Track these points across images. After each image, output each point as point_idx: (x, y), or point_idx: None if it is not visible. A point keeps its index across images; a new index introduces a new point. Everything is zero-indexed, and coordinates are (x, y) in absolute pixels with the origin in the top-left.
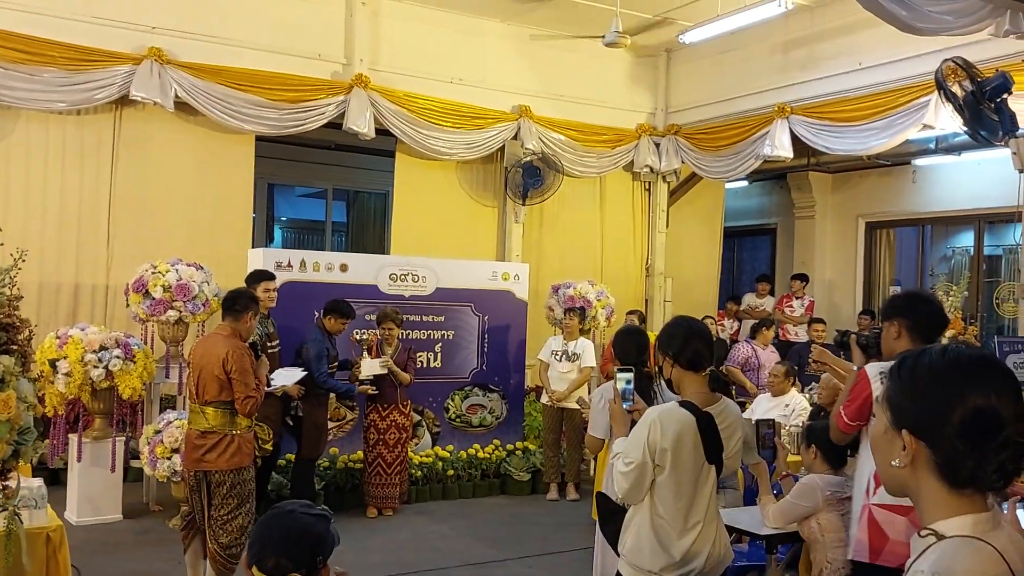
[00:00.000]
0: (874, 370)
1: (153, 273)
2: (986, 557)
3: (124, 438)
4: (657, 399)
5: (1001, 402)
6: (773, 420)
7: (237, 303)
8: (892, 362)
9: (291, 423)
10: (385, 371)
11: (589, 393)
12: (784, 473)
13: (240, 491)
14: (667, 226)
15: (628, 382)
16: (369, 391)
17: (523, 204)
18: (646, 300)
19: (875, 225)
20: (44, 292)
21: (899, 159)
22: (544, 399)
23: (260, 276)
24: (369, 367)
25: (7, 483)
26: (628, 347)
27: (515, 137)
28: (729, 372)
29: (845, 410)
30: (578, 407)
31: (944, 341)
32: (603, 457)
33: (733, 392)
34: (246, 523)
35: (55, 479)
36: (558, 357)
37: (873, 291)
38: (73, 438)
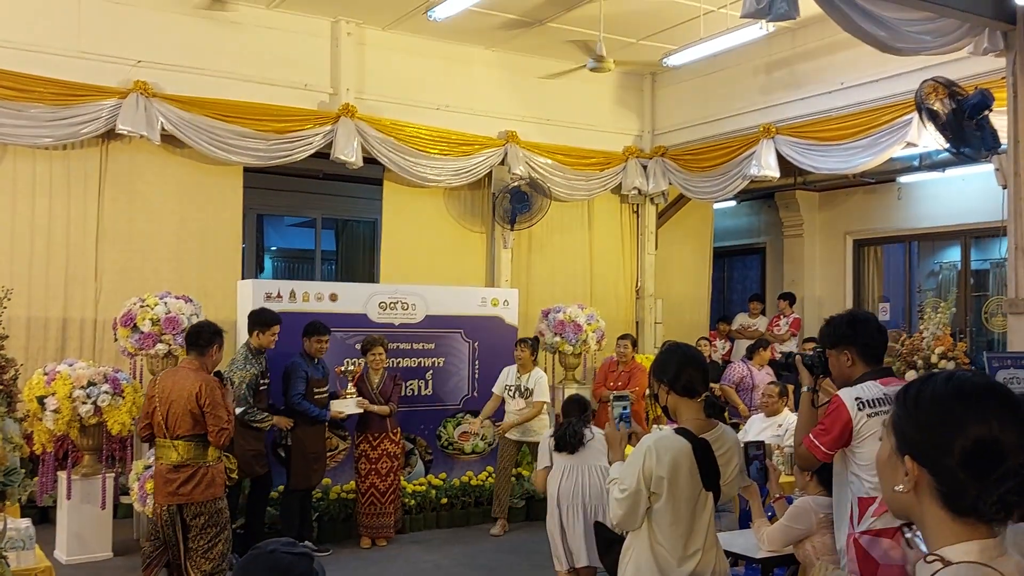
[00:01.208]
0: (849, 396)
1: (141, 307)
2: None
3: (114, 474)
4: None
5: (1004, 432)
6: (763, 442)
7: (201, 337)
8: (865, 387)
9: (283, 454)
10: (360, 411)
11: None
12: (777, 495)
13: (217, 519)
14: (656, 247)
15: (624, 407)
16: (341, 416)
17: (511, 229)
18: (636, 322)
19: (862, 242)
20: (32, 327)
21: (884, 177)
22: (509, 432)
23: (272, 321)
24: (342, 405)
25: None
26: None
27: (502, 163)
28: (723, 391)
29: (821, 439)
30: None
31: (934, 358)
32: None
33: (727, 414)
34: (225, 549)
35: (44, 517)
36: (511, 393)
37: (863, 308)
38: (62, 475)
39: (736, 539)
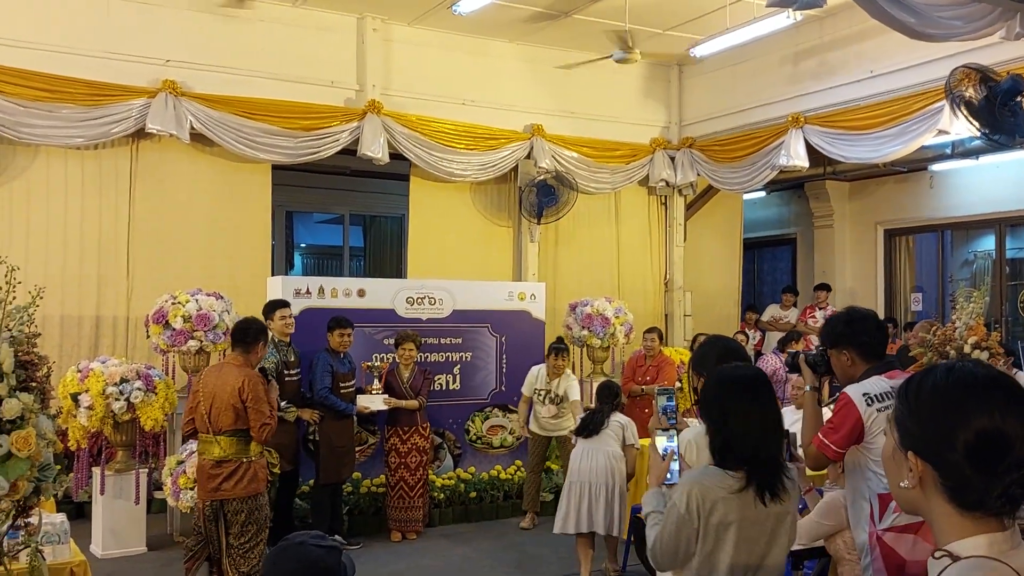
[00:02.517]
0: (857, 393)
1: (173, 304)
2: None
3: (147, 470)
4: None
5: (1008, 423)
6: (789, 432)
7: (248, 335)
8: (870, 383)
9: (312, 448)
10: (386, 407)
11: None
12: (808, 487)
13: (258, 517)
14: (685, 240)
15: (669, 399)
16: (367, 412)
17: (538, 223)
18: (665, 315)
19: (894, 232)
20: (66, 325)
21: (916, 165)
22: (532, 427)
23: (275, 305)
24: (368, 400)
25: (29, 520)
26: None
27: (528, 156)
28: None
29: (831, 438)
30: (568, 436)
31: (967, 348)
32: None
33: None
34: (265, 550)
35: (80, 512)
36: (541, 397)
37: (895, 298)
38: (97, 471)
39: None
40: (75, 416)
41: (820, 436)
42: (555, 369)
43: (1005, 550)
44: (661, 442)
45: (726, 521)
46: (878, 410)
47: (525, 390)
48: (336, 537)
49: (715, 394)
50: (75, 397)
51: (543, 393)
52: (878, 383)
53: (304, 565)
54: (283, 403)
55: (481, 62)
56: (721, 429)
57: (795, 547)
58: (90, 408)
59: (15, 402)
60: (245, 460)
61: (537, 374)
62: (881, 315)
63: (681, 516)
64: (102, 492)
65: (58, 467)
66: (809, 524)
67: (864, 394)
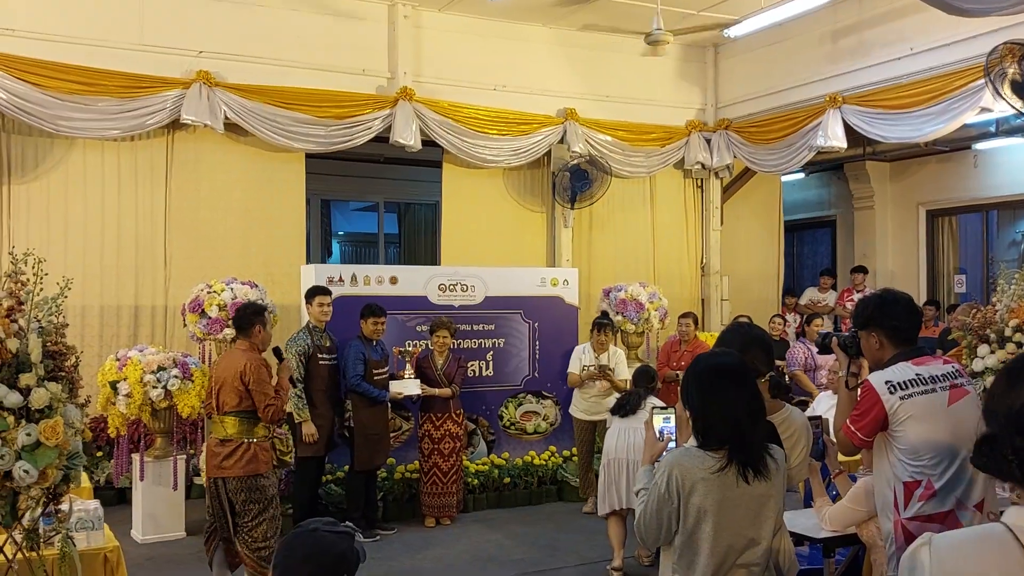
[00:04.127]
0: (879, 380)
1: (208, 293)
2: None
3: (185, 456)
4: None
5: None
6: (819, 416)
7: (243, 320)
8: (895, 369)
9: (347, 435)
10: (419, 392)
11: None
12: (837, 471)
13: (259, 497)
14: (722, 223)
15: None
16: (400, 398)
17: (571, 208)
18: (702, 300)
19: (936, 213)
20: (106, 315)
21: (959, 144)
22: (576, 413)
23: (315, 291)
24: (401, 386)
25: (59, 507)
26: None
27: (561, 141)
28: (794, 377)
29: (857, 425)
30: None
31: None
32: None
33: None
34: (270, 528)
35: (122, 498)
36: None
37: (937, 280)
38: (136, 458)
39: (798, 519)
40: (114, 404)
41: (848, 423)
42: (600, 344)
43: None
44: (658, 422)
45: (706, 501)
46: (901, 398)
47: (573, 368)
48: (347, 524)
49: (695, 383)
50: (114, 385)
51: (592, 369)
52: (904, 370)
53: (316, 551)
54: (301, 402)
55: (513, 47)
56: (702, 414)
57: (827, 534)
58: (128, 396)
59: (43, 391)
60: (247, 441)
61: (583, 351)
62: (923, 298)
63: (661, 495)
64: (141, 478)
65: (99, 453)
66: (841, 510)
67: (887, 382)
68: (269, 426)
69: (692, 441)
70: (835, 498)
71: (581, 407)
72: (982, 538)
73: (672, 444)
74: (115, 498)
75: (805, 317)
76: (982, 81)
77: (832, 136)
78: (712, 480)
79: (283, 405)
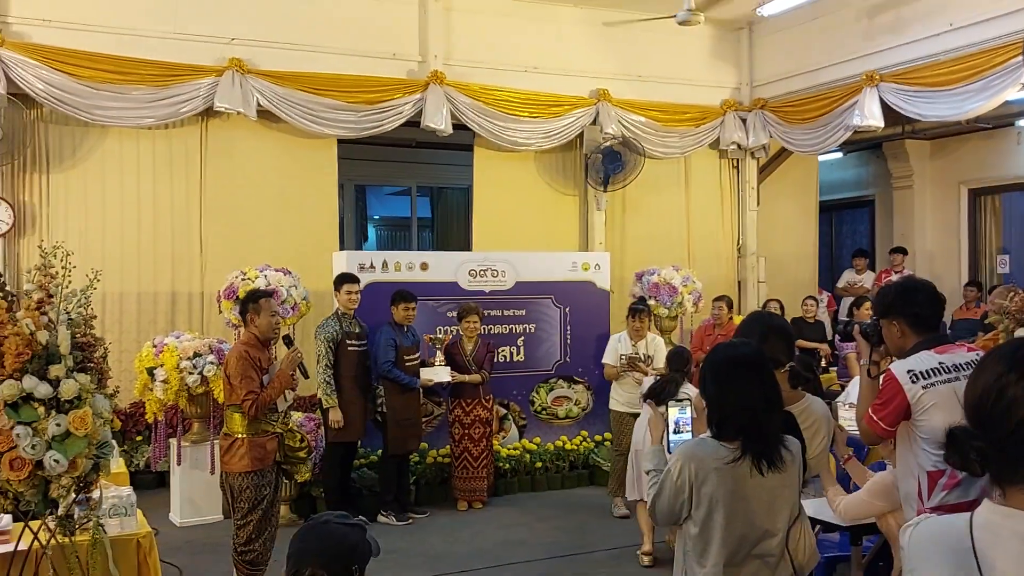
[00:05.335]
0: (902, 370)
1: (243, 280)
2: None
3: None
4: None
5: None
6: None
7: (240, 310)
8: (918, 359)
9: (379, 420)
10: (450, 379)
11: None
12: (847, 456)
13: (249, 496)
14: (758, 204)
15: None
16: (431, 384)
17: (604, 191)
18: (738, 282)
19: (979, 192)
20: (143, 301)
21: (1002, 121)
22: (616, 406)
23: (343, 279)
24: (432, 373)
25: (90, 495)
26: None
27: (594, 122)
28: (846, 360)
29: (879, 414)
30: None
31: None
32: None
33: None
34: (257, 531)
35: (161, 482)
36: (625, 364)
37: (980, 261)
38: (174, 443)
39: (825, 507)
40: (151, 390)
41: (870, 412)
42: (636, 332)
43: None
44: (673, 413)
45: (719, 491)
46: (924, 387)
47: (607, 359)
48: (360, 517)
49: (711, 373)
50: (151, 371)
51: (623, 361)
52: (926, 359)
53: (329, 542)
54: (330, 389)
55: (544, 28)
56: (718, 405)
57: (850, 523)
58: (165, 382)
59: (72, 383)
60: (238, 436)
61: (619, 340)
62: (965, 278)
63: (674, 484)
64: (179, 463)
65: (139, 438)
66: (857, 503)
67: (909, 371)
68: (271, 422)
69: (707, 432)
70: (846, 486)
71: (622, 399)
72: (948, 526)
73: (685, 435)
74: (154, 482)
75: (854, 300)
76: None
77: (869, 115)
78: (725, 470)
79: (270, 398)
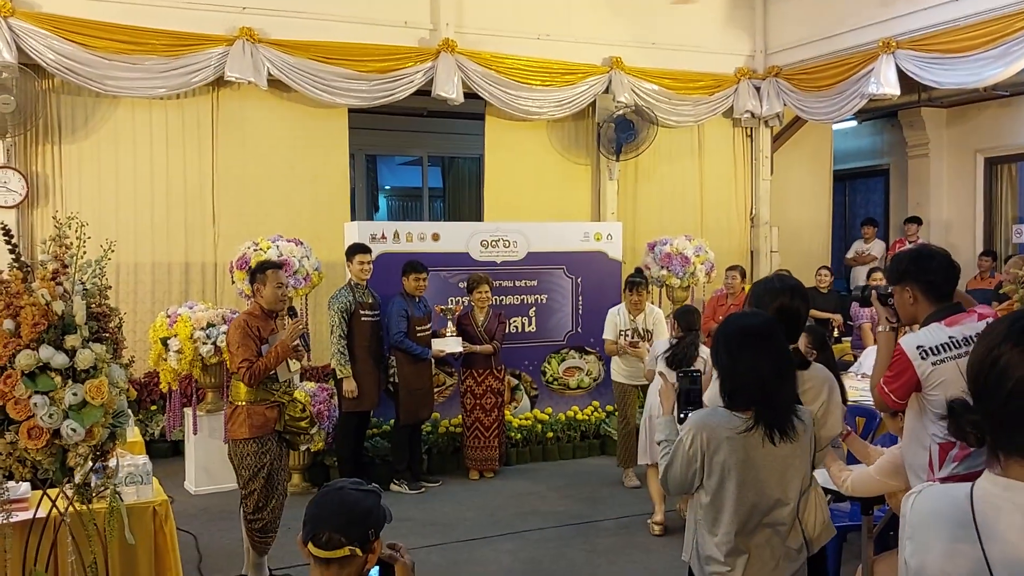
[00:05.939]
0: (911, 346)
1: (255, 250)
2: None
3: None
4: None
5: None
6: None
7: (249, 280)
8: (927, 333)
9: (392, 390)
10: (461, 350)
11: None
12: (846, 431)
13: (249, 464)
14: (772, 173)
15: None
16: (443, 355)
17: (616, 160)
18: (751, 251)
19: (995, 160)
20: (157, 272)
21: (1019, 88)
22: (617, 377)
23: (355, 250)
24: (444, 344)
25: (106, 464)
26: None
27: (606, 91)
28: (860, 330)
29: (890, 386)
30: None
31: None
32: None
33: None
34: (262, 500)
35: (176, 450)
36: (627, 337)
37: (995, 231)
38: (188, 412)
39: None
40: (165, 360)
41: (882, 383)
42: (635, 305)
43: None
44: (684, 384)
45: (731, 460)
46: (933, 363)
47: (607, 335)
48: (373, 484)
49: (723, 343)
50: (165, 341)
51: (629, 333)
52: (936, 332)
53: (345, 508)
54: (337, 348)
55: None
56: (730, 375)
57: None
58: (179, 352)
59: (88, 353)
60: (237, 404)
61: (618, 314)
62: (980, 248)
63: (687, 453)
64: (195, 432)
65: (153, 407)
66: (866, 479)
67: (919, 347)
68: (273, 391)
69: (719, 401)
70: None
71: (623, 372)
72: (950, 496)
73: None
74: (169, 450)
75: (869, 269)
76: None
77: (885, 82)
78: (737, 440)
79: (266, 366)
